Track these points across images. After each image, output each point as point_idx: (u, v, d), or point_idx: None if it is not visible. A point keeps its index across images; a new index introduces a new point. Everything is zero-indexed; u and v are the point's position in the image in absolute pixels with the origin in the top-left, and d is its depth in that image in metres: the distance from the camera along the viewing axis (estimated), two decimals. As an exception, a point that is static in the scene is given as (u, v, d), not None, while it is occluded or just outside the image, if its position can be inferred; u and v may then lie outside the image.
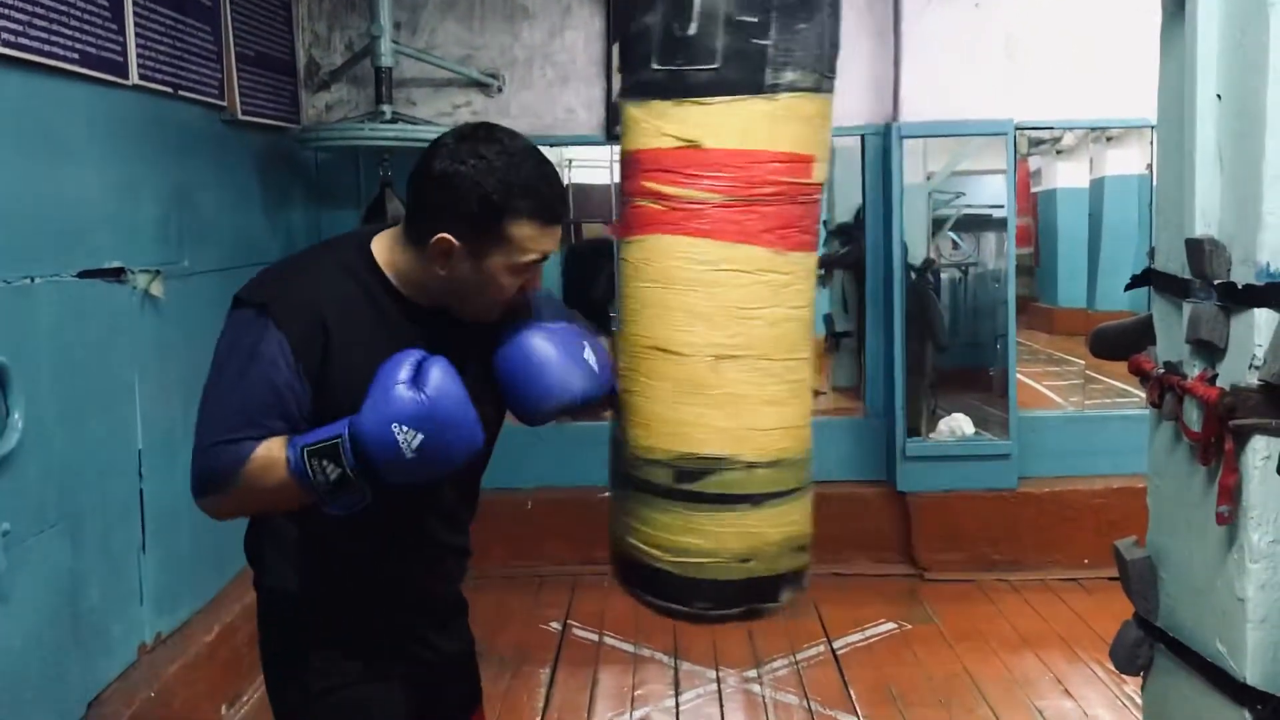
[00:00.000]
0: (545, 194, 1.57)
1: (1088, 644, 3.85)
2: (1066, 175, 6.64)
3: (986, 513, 4.63)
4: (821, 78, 1.75)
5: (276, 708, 1.79)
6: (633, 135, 1.79)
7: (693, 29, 1.71)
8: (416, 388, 1.46)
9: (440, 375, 1.48)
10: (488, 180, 1.52)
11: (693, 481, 1.76)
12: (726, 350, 1.75)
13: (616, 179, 6.11)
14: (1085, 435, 4.79)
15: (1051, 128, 5.18)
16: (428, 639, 1.81)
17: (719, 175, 1.72)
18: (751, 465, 1.77)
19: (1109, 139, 5.84)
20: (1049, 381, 6.02)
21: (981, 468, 4.69)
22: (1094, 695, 3.51)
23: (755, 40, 1.70)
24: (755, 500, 1.78)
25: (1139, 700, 1.90)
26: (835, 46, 1.78)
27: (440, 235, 1.54)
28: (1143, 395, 1.80)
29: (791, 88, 1.72)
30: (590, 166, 6.38)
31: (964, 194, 6.10)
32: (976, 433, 4.85)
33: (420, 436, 1.45)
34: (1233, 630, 1.56)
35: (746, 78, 1.72)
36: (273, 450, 1.50)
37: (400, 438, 1.44)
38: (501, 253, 1.55)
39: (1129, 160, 5.79)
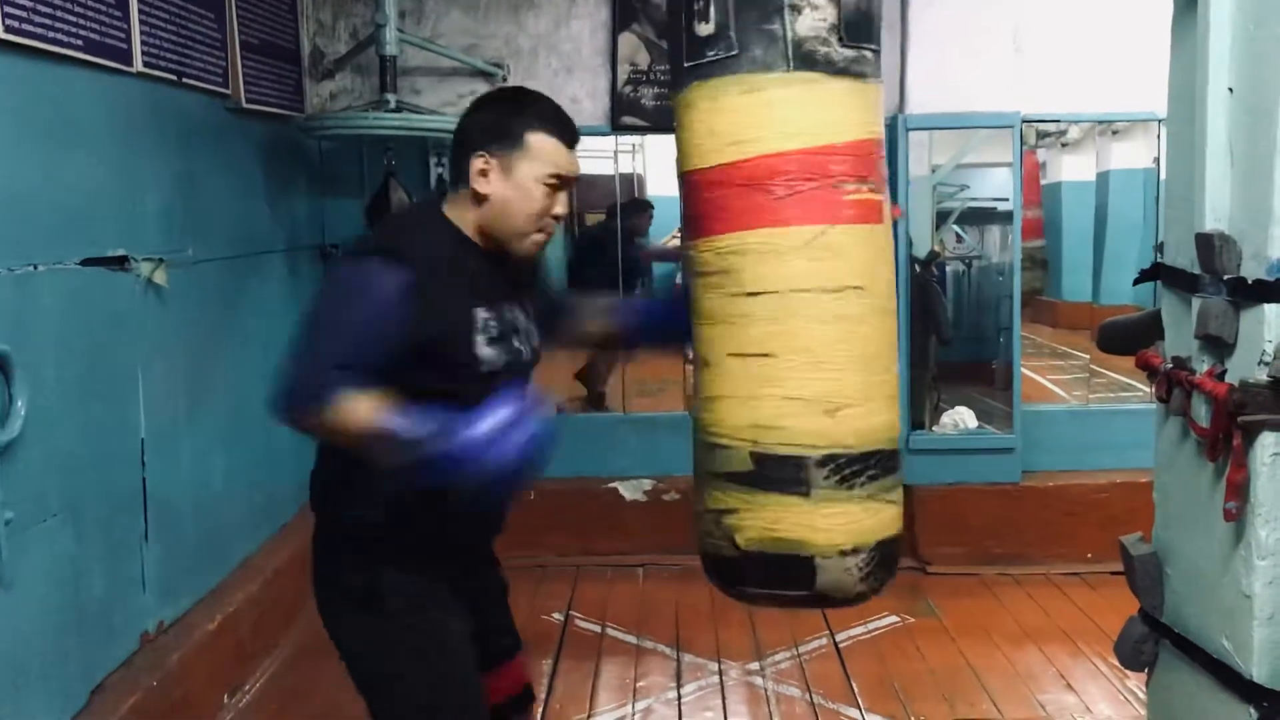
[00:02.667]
0: (560, 117, 1.92)
1: (1090, 638, 3.85)
2: (1072, 168, 6.60)
3: (990, 506, 4.63)
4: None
5: (349, 638, 1.96)
6: None
7: None
8: (507, 434, 1.69)
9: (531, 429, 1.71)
10: (511, 106, 1.93)
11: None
12: None
13: (622, 169, 6.13)
14: (1089, 429, 4.78)
15: (1058, 120, 5.14)
16: (478, 572, 2.08)
17: None
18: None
19: (1115, 132, 5.81)
20: (1053, 375, 6.00)
21: (985, 461, 4.69)
22: (1096, 689, 3.51)
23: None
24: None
25: (1141, 695, 1.91)
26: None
27: (477, 154, 1.87)
28: (1147, 389, 1.79)
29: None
30: (595, 156, 6.36)
31: (969, 187, 6.08)
32: (980, 426, 4.84)
33: (491, 469, 1.68)
34: (1239, 627, 1.56)
35: None
36: (369, 404, 1.71)
37: (476, 467, 1.68)
38: (528, 163, 1.87)
39: (1135, 154, 5.76)
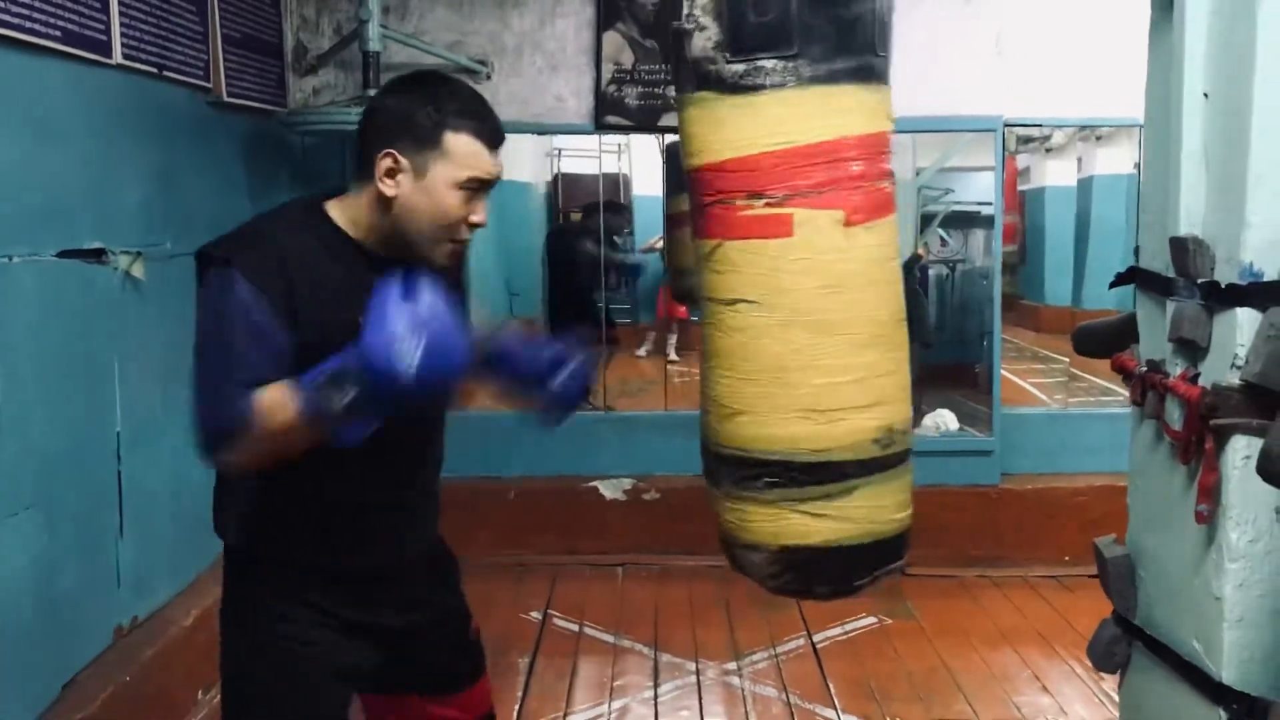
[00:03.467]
0: (483, 114, 1.71)
1: (1067, 641, 3.86)
2: (1055, 173, 6.64)
3: (969, 508, 4.64)
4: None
5: (223, 661, 1.86)
6: None
7: None
8: (410, 306, 1.52)
9: (429, 293, 1.54)
10: (429, 99, 1.68)
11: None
12: None
13: (606, 169, 6.12)
14: (1069, 433, 4.80)
15: (1040, 125, 5.18)
16: (372, 603, 1.87)
17: None
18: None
19: (1098, 138, 5.85)
20: (1034, 379, 6.03)
21: (965, 464, 4.70)
22: (1071, 692, 3.52)
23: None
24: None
25: (1116, 697, 1.91)
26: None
27: (386, 152, 1.65)
28: (1126, 393, 1.80)
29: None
30: (579, 156, 6.35)
31: (953, 190, 6.10)
32: (960, 429, 4.86)
33: (419, 350, 1.50)
34: (1209, 629, 1.56)
35: None
36: (279, 391, 1.56)
37: (403, 351, 1.49)
38: (443, 165, 1.66)
39: (1118, 159, 5.80)
